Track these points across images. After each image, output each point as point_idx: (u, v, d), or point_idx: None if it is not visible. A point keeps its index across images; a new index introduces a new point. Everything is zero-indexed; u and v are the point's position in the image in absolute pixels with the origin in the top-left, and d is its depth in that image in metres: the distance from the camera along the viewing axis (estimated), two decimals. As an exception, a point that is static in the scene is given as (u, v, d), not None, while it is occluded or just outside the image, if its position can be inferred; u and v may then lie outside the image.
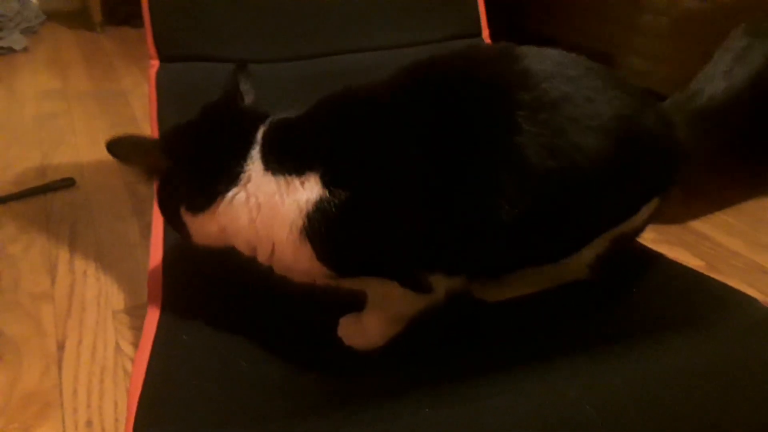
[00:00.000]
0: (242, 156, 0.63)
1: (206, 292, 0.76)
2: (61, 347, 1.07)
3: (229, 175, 0.63)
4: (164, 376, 0.61)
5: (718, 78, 0.73)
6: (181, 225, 0.68)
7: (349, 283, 0.68)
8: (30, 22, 2.87)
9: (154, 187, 0.70)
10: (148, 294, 0.77)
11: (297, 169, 0.61)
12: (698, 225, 1.43)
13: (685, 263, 0.77)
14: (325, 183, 0.60)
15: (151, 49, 1.05)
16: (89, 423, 0.93)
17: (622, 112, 0.62)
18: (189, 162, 0.66)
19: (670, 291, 0.71)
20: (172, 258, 0.81)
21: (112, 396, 0.97)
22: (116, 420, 0.94)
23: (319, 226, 0.60)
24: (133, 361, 1.02)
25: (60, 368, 1.03)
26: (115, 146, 0.65)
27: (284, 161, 0.62)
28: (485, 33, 1.22)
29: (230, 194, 0.63)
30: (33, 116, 2.02)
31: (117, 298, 1.18)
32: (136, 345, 1.06)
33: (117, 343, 1.07)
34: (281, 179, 0.61)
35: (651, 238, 1.36)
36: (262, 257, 0.66)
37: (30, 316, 1.14)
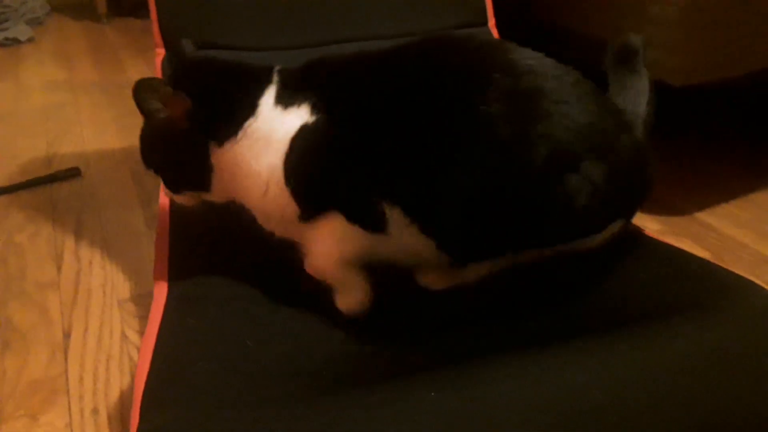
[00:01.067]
0: (260, 91, 0.72)
1: (212, 275, 0.76)
2: (67, 335, 1.07)
3: (249, 107, 0.71)
4: (171, 359, 0.61)
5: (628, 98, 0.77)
6: (203, 169, 0.73)
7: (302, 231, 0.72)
8: (35, 13, 2.86)
9: (170, 138, 0.74)
10: (154, 278, 0.77)
11: (297, 101, 0.70)
12: (704, 216, 1.42)
13: (691, 254, 0.76)
14: (312, 111, 0.69)
15: (157, 37, 1.05)
16: (95, 410, 0.94)
17: (595, 121, 0.64)
18: (215, 98, 0.73)
19: (678, 278, 0.71)
20: (178, 242, 0.81)
21: (118, 383, 0.98)
22: (122, 407, 0.94)
23: (296, 148, 0.68)
24: (138, 348, 1.03)
25: (66, 356, 1.03)
26: (138, 88, 0.70)
27: (289, 96, 0.71)
28: (491, 22, 1.22)
29: (247, 124, 0.71)
30: (39, 107, 2.02)
31: (123, 287, 1.19)
32: (141, 333, 1.07)
33: (123, 332, 1.08)
34: (284, 111, 0.70)
35: (657, 230, 1.36)
36: (253, 198, 0.72)
37: (36, 304, 1.15)
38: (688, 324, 0.61)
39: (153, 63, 1.11)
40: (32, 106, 2.03)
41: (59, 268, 1.24)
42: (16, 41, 2.61)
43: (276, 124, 0.70)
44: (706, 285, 0.69)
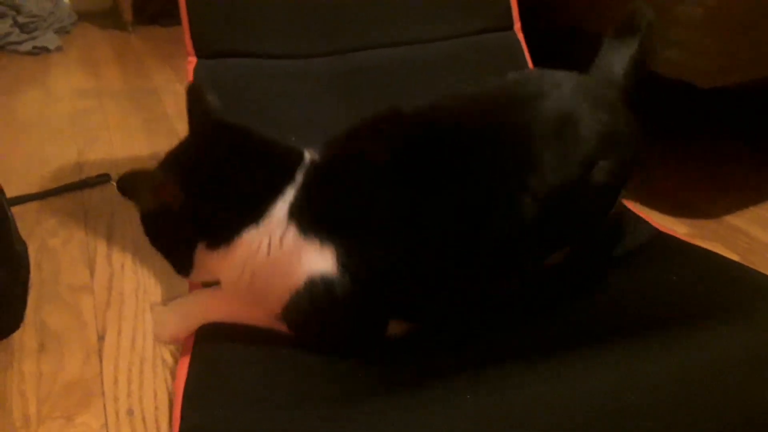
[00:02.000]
0: (274, 193, 0.64)
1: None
2: (101, 338, 1.09)
3: (257, 212, 0.64)
4: (210, 361, 0.62)
5: (615, 67, 0.80)
6: (185, 260, 0.68)
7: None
8: (63, 22, 2.92)
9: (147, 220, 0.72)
10: (190, 283, 0.79)
11: (318, 235, 0.63)
12: (733, 219, 1.41)
13: (720, 257, 0.76)
14: (339, 262, 0.62)
15: (189, 45, 1.06)
16: (130, 411, 0.95)
17: (605, 129, 0.69)
18: (213, 197, 0.65)
19: (710, 280, 0.70)
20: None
21: (151, 385, 0.99)
22: (156, 408, 0.95)
23: (316, 296, 0.63)
24: (171, 351, 1.05)
25: (101, 358, 1.05)
26: (124, 183, 0.67)
27: (308, 221, 0.64)
28: (517, 26, 1.22)
29: (251, 230, 0.64)
30: (68, 114, 2.06)
31: (154, 291, 1.20)
32: (174, 336, 1.08)
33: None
34: (302, 236, 0.63)
35: (685, 233, 1.35)
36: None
37: (70, 308, 1.17)
38: (722, 326, 0.61)
39: (178, 70, 1.12)
40: (61, 114, 2.07)
41: (92, 272, 1.26)
42: (44, 50, 2.66)
43: (288, 245, 0.63)
44: (738, 287, 0.68)
